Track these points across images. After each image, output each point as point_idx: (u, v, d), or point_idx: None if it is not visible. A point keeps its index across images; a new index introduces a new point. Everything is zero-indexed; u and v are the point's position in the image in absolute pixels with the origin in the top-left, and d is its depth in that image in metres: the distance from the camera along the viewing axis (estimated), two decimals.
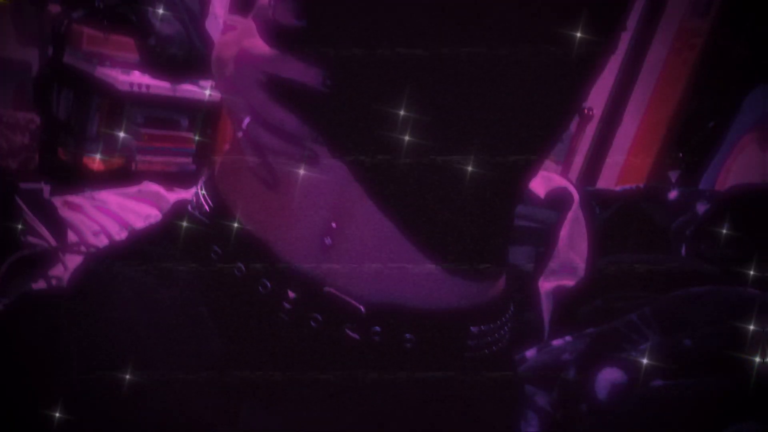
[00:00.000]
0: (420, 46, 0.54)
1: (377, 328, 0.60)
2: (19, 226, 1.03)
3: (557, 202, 1.27)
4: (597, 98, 2.37)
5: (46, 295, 0.85)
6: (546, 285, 1.09)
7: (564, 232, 1.16)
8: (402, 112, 0.54)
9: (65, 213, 1.21)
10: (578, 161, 2.44)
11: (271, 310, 0.61)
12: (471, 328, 0.63)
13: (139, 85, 2.22)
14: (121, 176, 2.26)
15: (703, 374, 0.75)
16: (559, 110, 0.60)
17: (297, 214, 0.61)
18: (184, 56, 2.33)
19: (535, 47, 0.54)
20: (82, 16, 2.24)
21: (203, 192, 0.69)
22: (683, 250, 1.14)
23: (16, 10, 2.24)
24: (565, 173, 2.30)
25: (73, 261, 1.06)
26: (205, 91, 2.38)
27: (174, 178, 2.14)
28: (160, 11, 2.27)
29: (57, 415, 0.56)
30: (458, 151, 0.56)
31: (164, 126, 2.50)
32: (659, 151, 2.31)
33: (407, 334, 0.60)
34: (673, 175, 2.22)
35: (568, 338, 0.93)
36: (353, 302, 0.59)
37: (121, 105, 2.37)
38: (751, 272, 0.93)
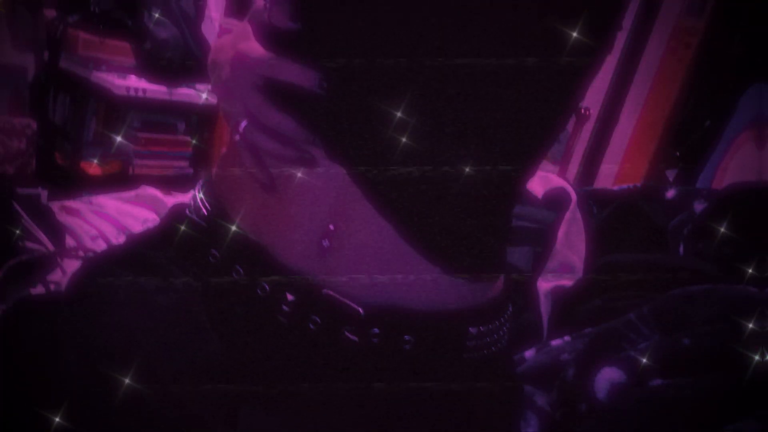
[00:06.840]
0: (416, 50, 0.54)
1: (376, 330, 0.60)
2: (17, 231, 1.03)
3: (555, 202, 1.27)
4: (593, 98, 2.37)
5: (44, 300, 0.85)
6: (544, 285, 1.09)
7: (562, 232, 1.17)
8: (398, 115, 0.54)
9: (63, 218, 1.21)
10: (575, 161, 2.45)
11: (269, 313, 0.61)
12: (470, 329, 0.63)
13: (136, 90, 2.22)
14: (118, 180, 2.26)
15: (702, 373, 0.75)
16: (556, 111, 0.60)
17: (295, 216, 0.61)
18: (180, 60, 2.33)
19: (531, 50, 0.54)
20: (77, 20, 2.24)
21: (201, 195, 0.69)
22: (681, 249, 1.14)
23: (11, 14, 2.23)
24: (562, 173, 2.30)
25: (71, 266, 1.06)
26: (202, 94, 2.39)
27: (171, 182, 2.14)
28: (156, 15, 2.27)
29: (56, 420, 0.56)
30: (455, 154, 0.56)
31: (161, 130, 2.50)
32: (656, 150, 2.31)
33: (406, 336, 0.60)
34: (670, 174, 2.22)
35: (566, 338, 0.93)
36: (352, 304, 0.59)
37: (117, 109, 2.38)
38: (749, 270, 0.93)
